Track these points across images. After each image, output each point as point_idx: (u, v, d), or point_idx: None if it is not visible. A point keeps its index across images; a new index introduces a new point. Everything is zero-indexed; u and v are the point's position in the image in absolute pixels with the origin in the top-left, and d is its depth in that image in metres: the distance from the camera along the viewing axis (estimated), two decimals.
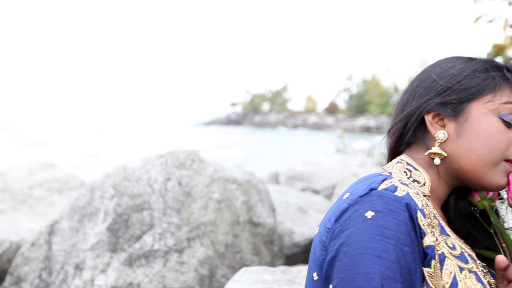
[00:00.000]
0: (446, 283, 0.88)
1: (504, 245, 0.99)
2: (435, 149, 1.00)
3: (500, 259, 0.92)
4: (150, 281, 2.85)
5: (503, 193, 1.04)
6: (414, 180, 1.00)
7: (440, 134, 1.00)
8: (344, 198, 0.94)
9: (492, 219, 1.02)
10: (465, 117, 0.99)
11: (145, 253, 2.91)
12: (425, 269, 0.87)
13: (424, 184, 1.00)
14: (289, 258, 3.69)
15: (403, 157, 1.04)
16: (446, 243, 0.93)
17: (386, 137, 1.10)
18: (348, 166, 5.30)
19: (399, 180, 0.94)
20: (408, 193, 0.91)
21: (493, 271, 0.98)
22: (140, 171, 3.17)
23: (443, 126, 1.01)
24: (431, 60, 1.11)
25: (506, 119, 0.98)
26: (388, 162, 1.08)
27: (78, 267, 2.94)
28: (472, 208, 1.05)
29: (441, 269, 0.89)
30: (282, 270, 2.38)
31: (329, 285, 0.87)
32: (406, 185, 0.93)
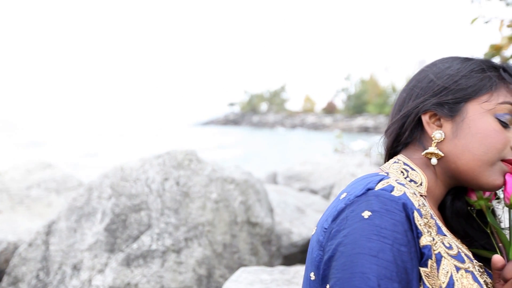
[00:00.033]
0: (443, 282, 0.88)
1: (500, 244, 0.99)
2: (432, 149, 1.00)
3: (497, 258, 0.92)
4: (148, 281, 2.85)
5: (500, 193, 1.04)
6: (411, 180, 1.00)
7: (437, 134, 1.00)
8: (341, 198, 0.94)
9: (488, 219, 1.02)
10: (461, 117, 0.99)
11: (143, 253, 2.91)
12: (422, 269, 0.87)
13: (421, 184, 1.00)
14: (287, 258, 3.69)
15: (400, 157, 1.05)
16: (443, 243, 0.93)
17: (383, 137, 1.11)
18: (346, 166, 5.31)
19: (396, 180, 0.94)
20: (405, 193, 0.91)
21: (490, 271, 0.98)
22: (138, 171, 3.17)
23: (440, 126, 1.01)
24: (429, 60, 1.12)
25: (502, 119, 0.98)
26: (385, 162, 1.09)
27: (76, 267, 2.93)
28: (469, 208, 1.06)
29: (438, 268, 0.89)
30: (280, 270, 2.39)
31: (326, 285, 0.88)
32: (403, 185, 0.94)
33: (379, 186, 0.91)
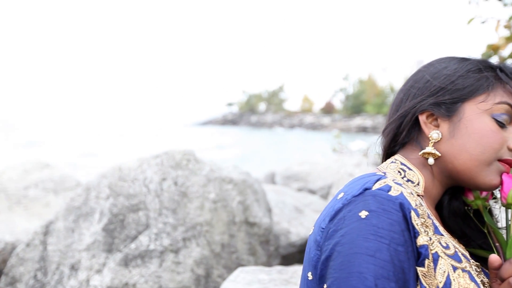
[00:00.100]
0: (440, 282, 0.88)
1: (497, 244, 0.99)
2: (429, 149, 1.00)
3: (494, 258, 0.93)
4: (146, 281, 2.85)
5: (497, 193, 1.05)
6: (408, 180, 1.01)
7: (434, 134, 1.01)
8: (338, 198, 0.95)
9: (485, 219, 1.02)
10: (458, 117, 1.00)
11: (141, 253, 2.91)
12: (419, 269, 0.87)
13: (418, 184, 1.00)
14: (285, 258, 3.69)
15: (397, 157, 1.05)
16: (440, 243, 0.93)
17: (381, 137, 1.11)
18: (344, 166, 5.31)
19: (393, 180, 0.94)
20: (402, 193, 0.91)
21: (487, 270, 0.98)
22: (136, 171, 3.17)
23: (437, 126, 1.02)
24: (427, 60, 1.12)
25: (499, 119, 0.99)
26: (382, 162, 1.09)
27: (74, 268, 2.93)
28: (466, 207, 1.06)
29: (435, 268, 0.89)
30: (278, 270, 2.39)
31: (324, 285, 0.88)
32: (400, 184, 0.94)
33: (376, 186, 0.91)
